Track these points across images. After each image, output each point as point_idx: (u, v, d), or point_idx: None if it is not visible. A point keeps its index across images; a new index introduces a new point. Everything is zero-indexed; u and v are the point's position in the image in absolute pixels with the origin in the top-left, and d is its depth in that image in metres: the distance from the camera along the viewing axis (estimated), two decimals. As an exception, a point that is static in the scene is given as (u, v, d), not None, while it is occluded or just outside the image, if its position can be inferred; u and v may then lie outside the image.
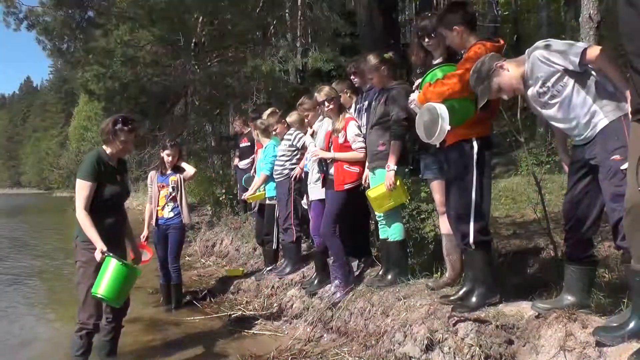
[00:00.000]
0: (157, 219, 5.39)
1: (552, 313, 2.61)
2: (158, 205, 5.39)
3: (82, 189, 3.43)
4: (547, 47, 2.58)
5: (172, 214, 5.37)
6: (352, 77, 4.70)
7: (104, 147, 3.64)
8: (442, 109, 2.90)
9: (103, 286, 3.29)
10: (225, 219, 9.74)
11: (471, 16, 3.17)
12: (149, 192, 5.56)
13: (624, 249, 2.41)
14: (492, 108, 3.11)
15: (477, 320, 2.88)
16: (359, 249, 4.62)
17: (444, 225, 3.57)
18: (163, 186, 5.40)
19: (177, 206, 5.39)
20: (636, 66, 2.01)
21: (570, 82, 2.53)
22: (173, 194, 5.37)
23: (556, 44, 2.57)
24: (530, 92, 2.69)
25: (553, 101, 2.60)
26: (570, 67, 2.48)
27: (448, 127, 2.86)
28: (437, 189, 3.66)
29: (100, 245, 3.34)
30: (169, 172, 5.43)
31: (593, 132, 2.51)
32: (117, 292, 3.32)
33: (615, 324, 2.31)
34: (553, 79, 2.55)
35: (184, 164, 5.53)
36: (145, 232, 5.54)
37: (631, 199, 2.09)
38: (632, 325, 2.17)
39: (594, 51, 2.44)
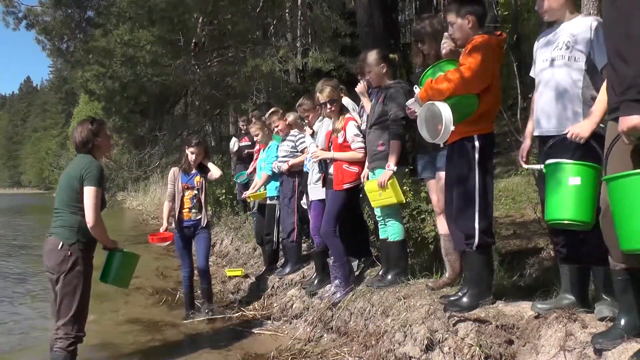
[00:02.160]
0: (180, 222, 5.10)
1: (552, 313, 2.60)
2: (184, 208, 5.11)
3: (95, 196, 3.35)
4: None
5: (200, 216, 5.16)
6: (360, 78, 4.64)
7: (90, 156, 3.51)
8: (444, 108, 2.80)
9: (114, 274, 3.62)
10: (225, 219, 9.76)
11: (483, 12, 3.10)
12: (169, 188, 5.22)
13: None
14: (493, 103, 3.09)
15: (477, 320, 2.88)
16: (359, 249, 4.61)
17: (442, 226, 3.56)
18: (188, 187, 5.13)
19: (202, 208, 5.18)
20: (614, 65, 2.04)
21: (583, 65, 2.58)
22: (198, 196, 5.16)
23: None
24: (552, 37, 2.72)
25: (559, 62, 2.63)
26: (594, 56, 2.55)
27: (452, 127, 2.77)
28: (434, 189, 3.65)
29: (112, 244, 3.59)
30: (193, 171, 5.19)
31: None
32: (125, 276, 3.74)
33: (609, 325, 2.32)
34: (581, 45, 2.58)
35: (210, 165, 5.28)
36: (164, 225, 5.13)
37: (606, 200, 2.09)
38: (623, 322, 2.19)
39: None
